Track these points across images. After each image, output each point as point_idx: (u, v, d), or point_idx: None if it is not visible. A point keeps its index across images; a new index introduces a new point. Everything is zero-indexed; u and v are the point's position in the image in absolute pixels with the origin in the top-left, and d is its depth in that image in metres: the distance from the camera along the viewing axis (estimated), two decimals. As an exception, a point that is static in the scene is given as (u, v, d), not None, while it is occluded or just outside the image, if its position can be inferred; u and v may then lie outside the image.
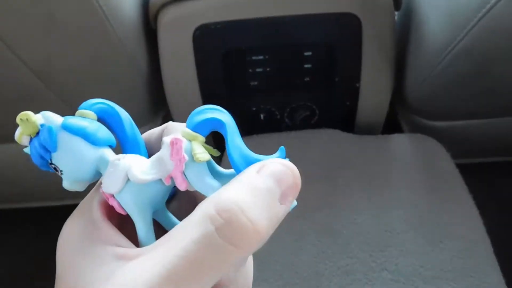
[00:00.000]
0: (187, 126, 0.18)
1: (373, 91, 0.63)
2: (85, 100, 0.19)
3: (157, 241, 0.16)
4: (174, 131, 0.19)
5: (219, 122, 0.17)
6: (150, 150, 0.20)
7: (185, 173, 0.17)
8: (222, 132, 0.18)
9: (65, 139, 0.17)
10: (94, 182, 0.19)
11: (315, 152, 0.59)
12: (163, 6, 0.56)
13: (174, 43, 0.58)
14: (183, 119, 0.18)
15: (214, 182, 0.17)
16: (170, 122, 0.20)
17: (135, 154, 0.18)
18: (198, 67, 0.60)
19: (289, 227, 0.51)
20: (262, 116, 0.65)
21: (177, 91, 0.63)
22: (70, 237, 0.17)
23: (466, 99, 0.62)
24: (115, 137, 0.19)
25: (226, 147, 0.17)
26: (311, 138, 0.62)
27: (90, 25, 0.49)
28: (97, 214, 0.18)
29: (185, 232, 0.15)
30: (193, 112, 0.18)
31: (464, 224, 0.51)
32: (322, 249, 0.49)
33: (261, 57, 0.60)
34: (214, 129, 0.18)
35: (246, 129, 0.64)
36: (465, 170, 0.58)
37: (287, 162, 0.16)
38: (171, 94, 0.63)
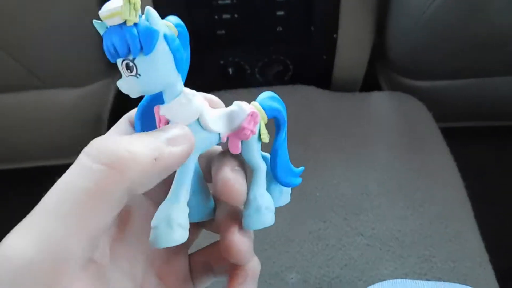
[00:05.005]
0: (261, 104, 0.20)
1: (352, 43, 0.58)
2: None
3: None
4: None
5: (283, 119, 0.21)
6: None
7: (243, 142, 0.19)
8: (277, 125, 0.21)
9: (160, 49, 0.17)
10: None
11: (289, 110, 0.54)
12: None
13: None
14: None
15: (261, 161, 0.20)
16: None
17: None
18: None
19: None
20: (230, 70, 0.59)
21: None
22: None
23: (450, 55, 0.58)
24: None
25: (275, 141, 0.20)
26: (284, 95, 0.55)
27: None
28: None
29: None
30: (267, 95, 0.21)
31: (445, 187, 0.49)
32: (294, 213, 0.44)
33: (228, 2, 0.53)
34: (273, 117, 0.20)
35: (213, 85, 0.58)
36: (444, 134, 0.55)
37: (184, 127, 0.18)
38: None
